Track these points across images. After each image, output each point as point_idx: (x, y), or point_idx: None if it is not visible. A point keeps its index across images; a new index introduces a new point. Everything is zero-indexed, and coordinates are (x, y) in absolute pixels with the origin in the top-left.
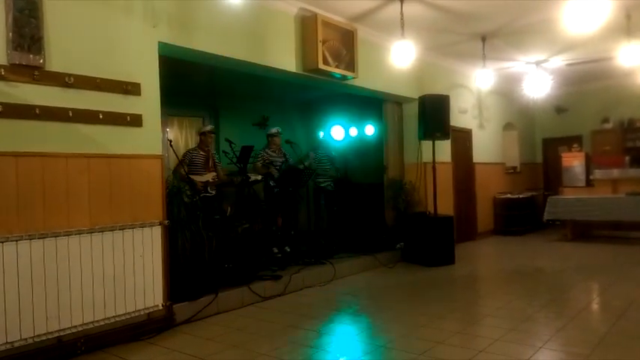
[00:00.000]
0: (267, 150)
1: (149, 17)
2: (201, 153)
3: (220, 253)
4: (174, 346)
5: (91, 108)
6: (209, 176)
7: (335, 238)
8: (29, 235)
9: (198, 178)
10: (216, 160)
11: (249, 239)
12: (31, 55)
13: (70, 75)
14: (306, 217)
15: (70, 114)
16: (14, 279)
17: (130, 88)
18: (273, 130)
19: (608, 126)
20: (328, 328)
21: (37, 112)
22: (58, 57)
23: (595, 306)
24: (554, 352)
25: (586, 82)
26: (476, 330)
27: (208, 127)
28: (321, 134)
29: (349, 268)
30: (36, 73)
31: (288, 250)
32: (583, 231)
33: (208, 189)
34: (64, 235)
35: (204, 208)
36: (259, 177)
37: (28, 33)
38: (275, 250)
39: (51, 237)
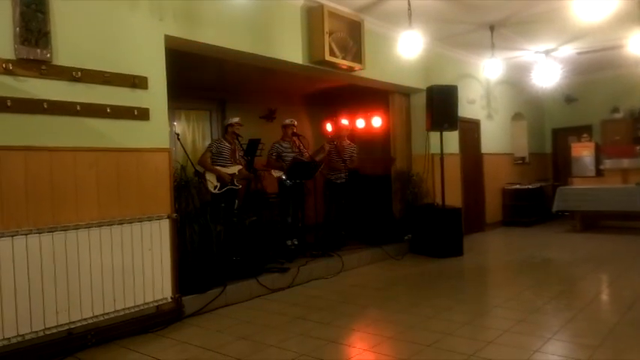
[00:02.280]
0: (280, 141)
1: (155, 10)
2: (227, 144)
3: (228, 245)
4: (184, 338)
5: (98, 102)
6: (235, 168)
7: (343, 230)
8: (38, 229)
9: (224, 170)
10: (242, 154)
11: (256, 232)
12: (39, 50)
13: (77, 69)
14: (314, 209)
15: (78, 108)
16: (24, 273)
17: (137, 82)
18: (287, 121)
19: (619, 115)
20: (336, 319)
21: (45, 106)
22: (65, 51)
23: (604, 297)
24: (564, 344)
25: (596, 71)
26: (485, 321)
27: (235, 119)
28: (330, 126)
29: (357, 260)
30: (43, 67)
31: (296, 242)
32: (592, 222)
33: (235, 181)
34: (73, 229)
35: (226, 201)
36: (281, 174)
37: (35, 27)
38: (289, 242)
39: (60, 231)
